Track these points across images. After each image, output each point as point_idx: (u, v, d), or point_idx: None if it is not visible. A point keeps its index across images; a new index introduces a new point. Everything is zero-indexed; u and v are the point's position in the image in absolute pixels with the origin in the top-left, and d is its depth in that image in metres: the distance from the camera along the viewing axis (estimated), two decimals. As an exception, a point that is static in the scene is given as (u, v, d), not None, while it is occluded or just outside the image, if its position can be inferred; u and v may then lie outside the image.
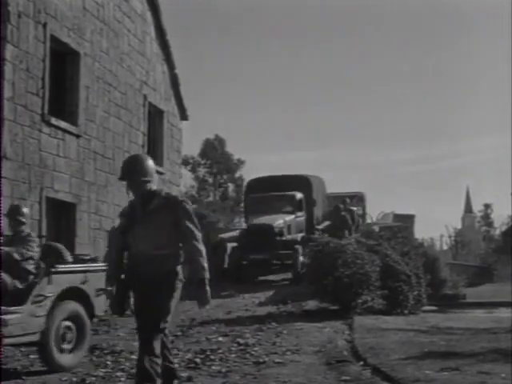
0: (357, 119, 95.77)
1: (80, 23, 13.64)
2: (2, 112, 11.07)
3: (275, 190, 19.39)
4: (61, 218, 13.19)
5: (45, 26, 12.31)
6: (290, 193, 19.49)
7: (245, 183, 48.45)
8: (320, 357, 8.15)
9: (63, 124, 12.91)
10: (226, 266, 18.45)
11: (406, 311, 13.11)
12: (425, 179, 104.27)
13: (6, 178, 11.12)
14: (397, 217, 27.19)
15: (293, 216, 18.91)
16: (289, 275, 17.59)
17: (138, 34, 16.48)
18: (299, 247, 17.11)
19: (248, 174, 47.58)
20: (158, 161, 17.65)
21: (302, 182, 20.65)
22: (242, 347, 8.92)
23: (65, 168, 12.94)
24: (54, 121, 12.53)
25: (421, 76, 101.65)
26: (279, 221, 18.09)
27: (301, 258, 16.70)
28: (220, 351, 8.65)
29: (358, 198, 25.89)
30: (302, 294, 14.08)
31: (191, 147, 57.39)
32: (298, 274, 16.64)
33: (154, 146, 17.65)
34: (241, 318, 12.36)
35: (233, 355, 8.37)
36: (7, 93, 11.20)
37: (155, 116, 17.79)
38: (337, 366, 7.52)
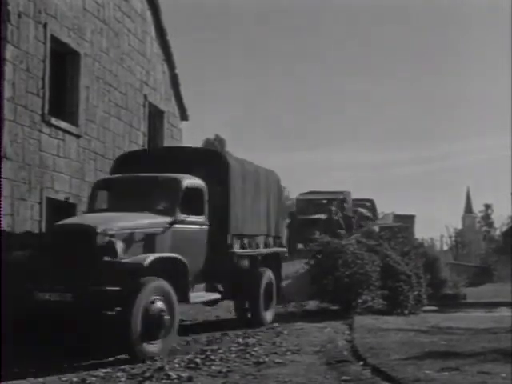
0: (356, 119, 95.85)
1: (80, 23, 13.63)
2: (2, 112, 11.06)
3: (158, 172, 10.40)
4: (61, 218, 13.16)
5: (45, 26, 12.30)
6: (170, 175, 10.16)
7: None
8: (320, 357, 8.16)
9: (63, 124, 12.90)
10: None
11: (406, 311, 13.14)
12: (425, 179, 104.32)
13: (6, 178, 11.12)
14: (397, 217, 27.24)
15: (166, 219, 9.40)
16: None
17: (138, 33, 16.47)
18: (147, 281, 8.15)
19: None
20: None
21: (210, 163, 10.99)
22: (242, 347, 8.92)
23: (65, 168, 12.94)
24: (54, 121, 12.52)
25: (420, 76, 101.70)
26: (119, 223, 8.85)
27: (137, 311, 7.91)
28: (220, 351, 8.66)
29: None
30: (302, 294, 14.08)
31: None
32: (131, 348, 7.96)
33: (155, 147, 17.64)
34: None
35: (233, 355, 8.37)
36: (7, 93, 11.19)
37: (155, 116, 17.78)
38: (337, 365, 7.52)
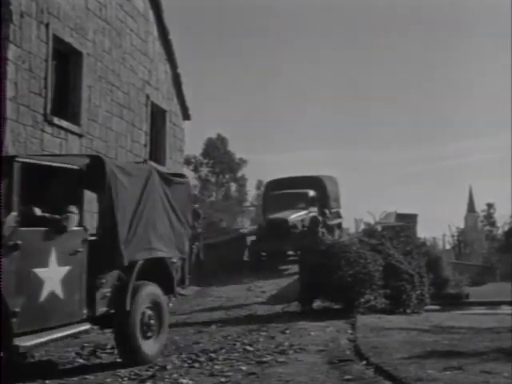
0: (359, 119, 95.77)
1: (82, 23, 13.64)
2: (4, 112, 11.08)
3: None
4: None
5: (47, 26, 12.31)
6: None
7: (247, 182, 48.95)
8: (323, 356, 8.16)
9: (66, 124, 12.91)
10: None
11: (408, 310, 13.12)
12: (427, 179, 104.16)
13: (8, 177, 11.12)
14: (399, 216, 27.22)
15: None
16: None
17: (140, 33, 16.48)
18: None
19: (250, 173, 47.56)
20: (161, 160, 17.67)
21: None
22: (245, 346, 8.93)
23: (67, 168, 12.93)
24: (56, 120, 12.53)
25: (423, 76, 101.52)
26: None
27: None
28: (223, 350, 8.67)
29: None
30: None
31: (193, 146, 57.29)
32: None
33: (157, 146, 17.66)
34: (243, 317, 12.39)
35: (236, 354, 8.38)
36: (10, 93, 11.20)
37: (158, 115, 17.80)
38: (339, 365, 7.52)
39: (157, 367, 7.64)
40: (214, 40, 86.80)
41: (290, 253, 21.60)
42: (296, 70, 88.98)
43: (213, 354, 8.41)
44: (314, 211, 22.12)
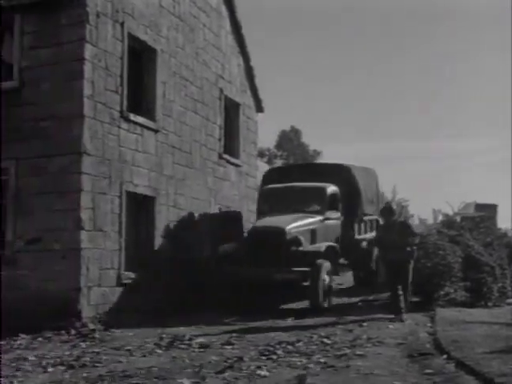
0: (437, 104, 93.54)
1: (156, 20, 13.84)
2: (82, 110, 11.37)
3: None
4: (140, 211, 13.44)
5: (122, 24, 12.55)
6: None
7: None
8: (402, 349, 8.03)
9: (141, 119, 13.15)
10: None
11: (490, 304, 12.74)
12: (507, 168, 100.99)
13: (87, 173, 11.44)
14: (479, 207, 26.47)
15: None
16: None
17: (213, 28, 16.59)
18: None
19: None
20: (235, 153, 17.76)
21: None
22: (322, 339, 8.88)
23: (143, 162, 13.19)
24: (132, 117, 12.78)
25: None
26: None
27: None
28: (300, 343, 8.65)
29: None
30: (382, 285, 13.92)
31: (267, 139, 57.40)
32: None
33: (231, 139, 17.75)
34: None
35: (313, 347, 8.35)
36: (87, 91, 11.49)
37: (231, 109, 17.89)
38: (419, 358, 7.38)
39: (234, 358, 7.69)
40: (285, 32, 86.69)
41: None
42: (371, 60, 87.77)
43: (290, 347, 8.41)
44: (334, 218, 14.08)
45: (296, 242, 12.42)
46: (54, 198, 11.38)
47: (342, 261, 13.84)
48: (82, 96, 11.38)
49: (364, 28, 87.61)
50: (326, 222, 13.66)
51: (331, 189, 14.23)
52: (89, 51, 11.59)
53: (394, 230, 11.20)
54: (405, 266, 11.04)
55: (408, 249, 11.07)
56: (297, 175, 15.18)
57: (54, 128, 11.52)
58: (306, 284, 12.20)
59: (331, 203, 14.09)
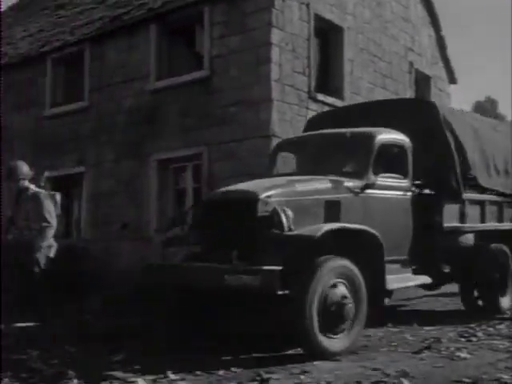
0: None
1: (341, -2, 13.73)
2: (270, 93, 11.58)
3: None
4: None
5: (308, 6, 12.61)
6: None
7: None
8: None
9: (330, 99, 13.14)
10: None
11: None
12: None
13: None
14: None
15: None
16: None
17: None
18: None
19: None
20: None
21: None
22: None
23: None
24: (320, 97, 12.82)
25: None
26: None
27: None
28: (502, 325, 8.23)
29: None
30: None
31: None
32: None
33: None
34: None
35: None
36: (274, 75, 11.71)
37: (421, 82, 17.31)
38: None
39: (432, 339, 7.49)
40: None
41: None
42: None
43: (491, 329, 8.01)
44: (391, 187, 7.45)
45: (274, 219, 6.14)
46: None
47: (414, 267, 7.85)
48: (269, 80, 11.63)
49: None
50: (369, 192, 7.23)
51: (386, 137, 7.66)
52: (276, 35, 11.79)
53: None
54: None
55: None
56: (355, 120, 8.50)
57: (242, 113, 11.90)
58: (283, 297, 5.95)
59: (388, 162, 7.60)
